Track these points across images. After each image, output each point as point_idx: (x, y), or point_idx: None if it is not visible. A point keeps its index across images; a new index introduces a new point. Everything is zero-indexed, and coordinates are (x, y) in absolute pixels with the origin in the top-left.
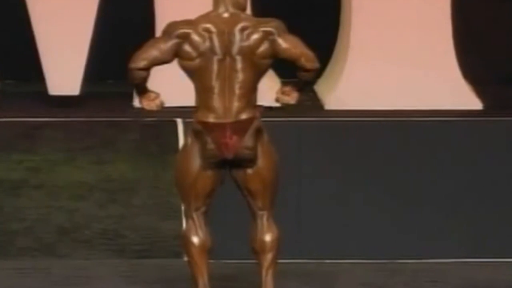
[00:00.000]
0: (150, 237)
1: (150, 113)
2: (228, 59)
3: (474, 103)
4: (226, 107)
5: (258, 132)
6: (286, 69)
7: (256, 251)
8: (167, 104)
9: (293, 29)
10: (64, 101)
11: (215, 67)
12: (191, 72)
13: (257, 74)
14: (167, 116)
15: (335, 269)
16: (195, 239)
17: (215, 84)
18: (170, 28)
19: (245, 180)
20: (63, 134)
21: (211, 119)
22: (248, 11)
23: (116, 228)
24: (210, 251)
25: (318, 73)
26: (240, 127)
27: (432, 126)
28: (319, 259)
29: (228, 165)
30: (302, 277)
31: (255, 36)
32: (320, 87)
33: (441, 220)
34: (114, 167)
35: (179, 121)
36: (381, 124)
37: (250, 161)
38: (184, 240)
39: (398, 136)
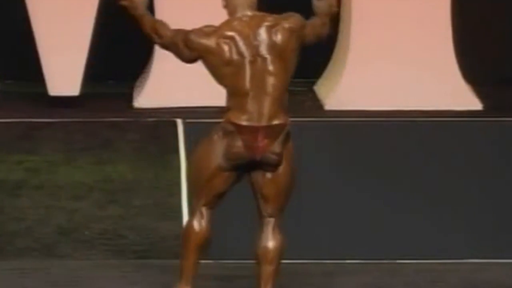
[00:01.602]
0: (149, 237)
1: (150, 113)
2: (259, 60)
3: (473, 103)
4: (260, 111)
5: (287, 138)
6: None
7: (258, 259)
8: (167, 105)
9: None
10: (64, 102)
11: (247, 70)
12: (221, 79)
13: (288, 72)
14: (167, 116)
15: (335, 269)
16: (197, 227)
17: (249, 87)
18: (193, 36)
19: (262, 184)
20: (63, 134)
21: (244, 121)
22: None
23: (116, 229)
24: (206, 246)
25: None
26: (272, 132)
27: (432, 127)
28: (319, 259)
29: (250, 168)
30: (302, 277)
31: (283, 33)
32: (320, 88)
33: (441, 220)
34: (114, 167)
35: (179, 122)
36: (381, 124)
37: (275, 166)
38: (185, 232)
39: (397, 136)
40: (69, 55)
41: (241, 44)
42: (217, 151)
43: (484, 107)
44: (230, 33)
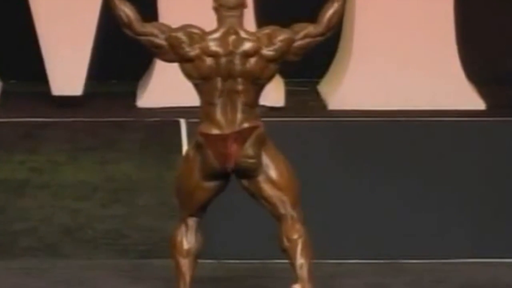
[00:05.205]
0: (153, 237)
1: (153, 113)
2: (230, 81)
3: (477, 103)
4: (229, 119)
5: (261, 140)
6: (289, 69)
7: (284, 249)
8: (170, 104)
9: None
10: (67, 101)
11: (218, 86)
12: (194, 85)
13: (258, 91)
14: (170, 116)
15: (338, 269)
16: (183, 242)
17: (218, 101)
18: (183, 30)
19: (259, 189)
20: (66, 134)
21: (213, 131)
22: (251, 10)
23: (119, 228)
24: (196, 256)
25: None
26: (240, 136)
27: (435, 126)
28: (322, 259)
29: (236, 175)
30: None
31: (259, 62)
32: (323, 87)
33: (444, 220)
34: (117, 167)
35: (182, 121)
36: (384, 124)
37: (254, 170)
38: (171, 241)
39: (401, 136)
40: (72, 54)
41: (218, 60)
42: (195, 164)
43: (487, 106)
44: (212, 47)
